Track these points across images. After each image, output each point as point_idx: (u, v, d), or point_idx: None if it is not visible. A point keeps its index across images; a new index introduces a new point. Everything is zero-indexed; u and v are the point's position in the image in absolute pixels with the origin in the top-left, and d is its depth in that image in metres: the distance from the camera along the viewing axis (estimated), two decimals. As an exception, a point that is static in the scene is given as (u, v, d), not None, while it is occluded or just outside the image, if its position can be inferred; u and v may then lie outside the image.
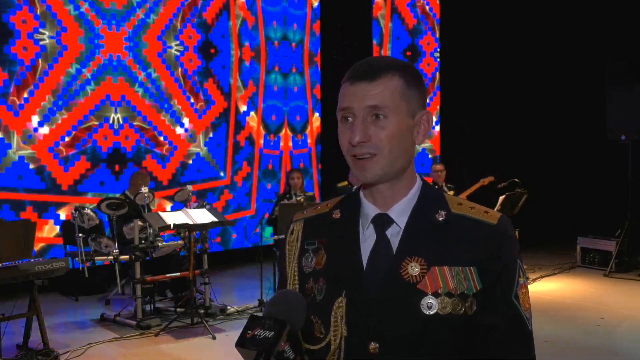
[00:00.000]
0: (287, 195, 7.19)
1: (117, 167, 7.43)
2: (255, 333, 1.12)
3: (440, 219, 1.29)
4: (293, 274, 1.36)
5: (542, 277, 7.60)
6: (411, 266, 1.25)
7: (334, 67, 8.90)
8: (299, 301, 1.21)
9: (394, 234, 1.29)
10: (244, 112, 8.59)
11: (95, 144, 7.29)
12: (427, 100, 1.34)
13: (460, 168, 9.38)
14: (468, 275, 1.24)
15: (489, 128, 9.83)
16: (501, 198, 7.25)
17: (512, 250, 1.28)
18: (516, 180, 7.53)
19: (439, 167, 7.83)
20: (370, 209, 1.32)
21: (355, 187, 1.43)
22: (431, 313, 1.22)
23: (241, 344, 1.12)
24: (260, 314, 1.19)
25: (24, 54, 6.81)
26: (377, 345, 1.23)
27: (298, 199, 6.90)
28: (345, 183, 7.28)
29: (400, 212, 1.30)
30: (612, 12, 9.10)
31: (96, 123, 7.28)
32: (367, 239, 1.30)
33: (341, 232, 1.33)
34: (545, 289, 7.05)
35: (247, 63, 8.60)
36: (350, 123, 1.26)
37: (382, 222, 1.30)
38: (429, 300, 1.23)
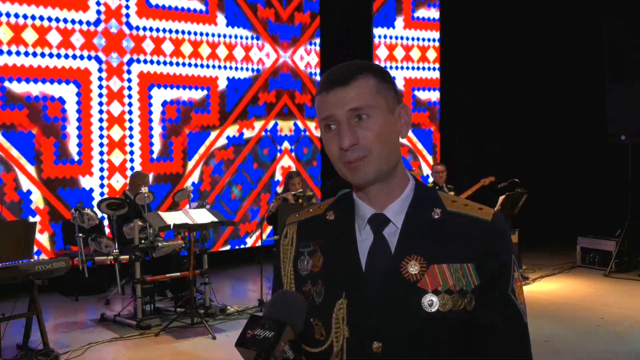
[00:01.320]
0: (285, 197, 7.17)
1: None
2: (255, 333, 1.12)
3: (436, 217, 1.30)
4: (289, 278, 1.37)
5: (542, 277, 7.59)
6: (411, 265, 1.26)
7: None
8: (299, 302, 1.21)
9: (391, 234, 1.30)
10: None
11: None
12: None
13: (460, 169, 9.39)
14: (466, 271, 1.25)
15: (489, 128, 9.83)
16: (501, 198, 7.25)
17: (507, 246, 1.30)
18: (516, 180, 7.53)
19: (440, 167, 7.82)
20: (366, 210, 1.32)
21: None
22: (432, 311, 1.23)
23: (241, 343, 1.12)
24: (260, 314, 1.19)
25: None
26: (380, 344, 1.24)
27: (295, 194, 6.87)
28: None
29: (396, 211, 1.31)
30: None
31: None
32: (364, 239, 1.31)
33: (337, 234, 1.34)
34: (545, 289, 7.05)
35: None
36: (334, 131, 1.27)
37: (379, 222, 1.31)
38: (430, 298, 1.24)
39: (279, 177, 8.93)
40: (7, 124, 6.95)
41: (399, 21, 9.97)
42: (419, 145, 10.11)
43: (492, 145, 8.09)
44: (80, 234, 5.81)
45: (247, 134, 8.70)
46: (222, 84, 8.41)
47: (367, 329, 1.25)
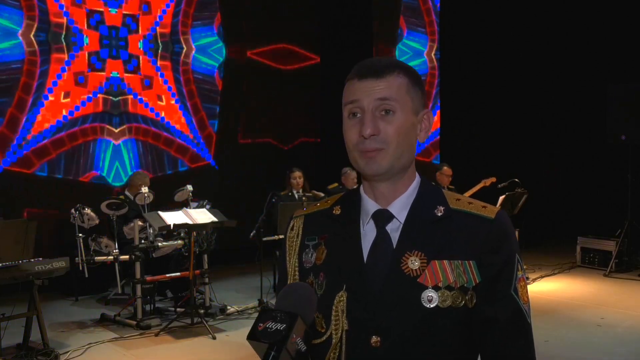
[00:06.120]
0: (290, 194, 7.09)
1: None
2: (267, 326, 1.12)
3: (439, 214, 1.31)
4: (293, 270, 1.38)
5: (542, 277, 7.60)
6: (411, 260, 1.27)
7: (334, 68, 8.90)
8: (310, 293, 1.21)
9: (394, 229, 1.31)
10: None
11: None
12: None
13: (461, 168, 9.38)
14: (467, 268, 1.26)
15: (490, 128, 9.83)
16: (501, 198, 7.25)
17: (511, 244, 1.30)
18: (516, 180, 7.53)
19: (448, 171, 7.72)
20: (370, 205, 1.34)
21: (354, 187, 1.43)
22: (432, 306, 1.24)
23: (253, 337, 1.12)
24: (271, 307, 1.19)
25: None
26: (379, 338, 1.25)
27: (303, 198, 6.76)
28: (336, 185, 7.25)
29: (400, 207, 1.32)
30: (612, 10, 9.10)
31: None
32: (367, 234, 1.32)
33: (342, 228, 1.35)
34: (545, 289, 7.05)
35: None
36: (358, 118, 1.28)
37: (382, 217, 1.32)
38: (430, 293, 1.24)
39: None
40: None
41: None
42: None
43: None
44: (80, 234, 5.82)
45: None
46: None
47: (366, 323, 1.25)
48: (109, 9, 7.61)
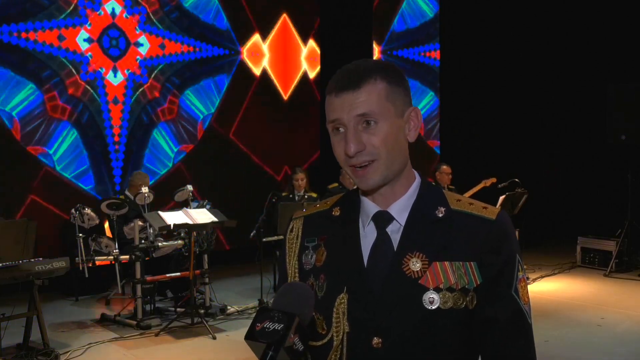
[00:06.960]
0: (290, 195, 7.09)
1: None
2: (265, 325, 1.12)
3: (440, 215, 1.30)
4: (293, 272, 1.38)
5: (542, 277, 7.60)
6: (413, 262, 1.26)
7: (335, 64, 8.87)
8: (307, 292, 1.21)
9: (395, 231, 1.31)
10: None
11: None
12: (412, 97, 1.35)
13: (461, 168, 9.38)
14: (468, 270, 1.26)
15: (490, 128, 9.82)
16: (501, 198, 7.25)
17: (511, 245, 1.30)
18: (516, 180, 7.53)
19: (447, 169, 7.71)
20: (370, 207, 1.33)
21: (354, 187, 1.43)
22: (433, 308, 1.24)
23: (250, 336, 1.12)
24: (269, 306, 1.19)
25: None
26: (381, 340, 1.25)
27: (304, 199, 6.73)
28: (336, 184, 7.24)
29: (400, 209, 1.32)
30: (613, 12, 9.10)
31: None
32: (368, 236, 1.32)
33: (341, 229, 1.35)
34: (545, 289, 7.05)
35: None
36: (342, 134, 1.27)
37: (383, 219, 1.32)
38: (431, 295, 1.24)
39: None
40: None
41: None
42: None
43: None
44: (80, 234, 5.82)
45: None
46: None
47: (366, 323, 1.26)
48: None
